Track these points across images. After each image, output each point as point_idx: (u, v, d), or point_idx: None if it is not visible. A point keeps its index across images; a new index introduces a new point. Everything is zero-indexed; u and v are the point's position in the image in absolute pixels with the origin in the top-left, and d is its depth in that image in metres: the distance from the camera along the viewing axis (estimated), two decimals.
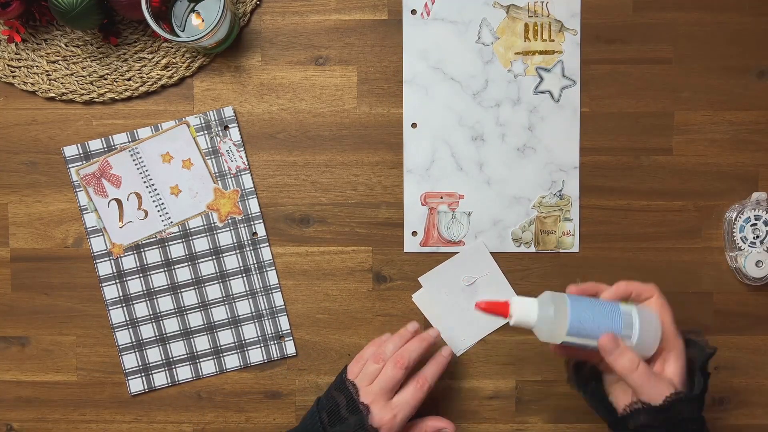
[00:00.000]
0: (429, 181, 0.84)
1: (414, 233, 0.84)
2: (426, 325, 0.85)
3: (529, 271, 0.84)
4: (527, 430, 0.85)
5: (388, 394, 0.74)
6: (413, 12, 0.83)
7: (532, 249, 0.84)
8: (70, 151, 0.83)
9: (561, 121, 0.83)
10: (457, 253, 0.84)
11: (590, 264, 0.84)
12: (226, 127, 0.83)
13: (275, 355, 0.85)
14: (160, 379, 0.85)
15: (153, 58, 0.83)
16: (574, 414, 0.85)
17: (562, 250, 0.84)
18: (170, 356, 0.84)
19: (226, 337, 0.84)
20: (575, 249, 0.84)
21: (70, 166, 0.83)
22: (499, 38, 0.83)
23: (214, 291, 0.84)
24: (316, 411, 0.75)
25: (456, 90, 0.83)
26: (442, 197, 0.84)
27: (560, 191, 0.84)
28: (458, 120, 0.83)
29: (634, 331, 0.68)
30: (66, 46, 0.83)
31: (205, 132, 0.83)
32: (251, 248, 0.84)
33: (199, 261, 0.84)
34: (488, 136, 0.83)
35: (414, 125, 0.84)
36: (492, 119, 0.83)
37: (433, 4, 0.83)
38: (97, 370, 0.85)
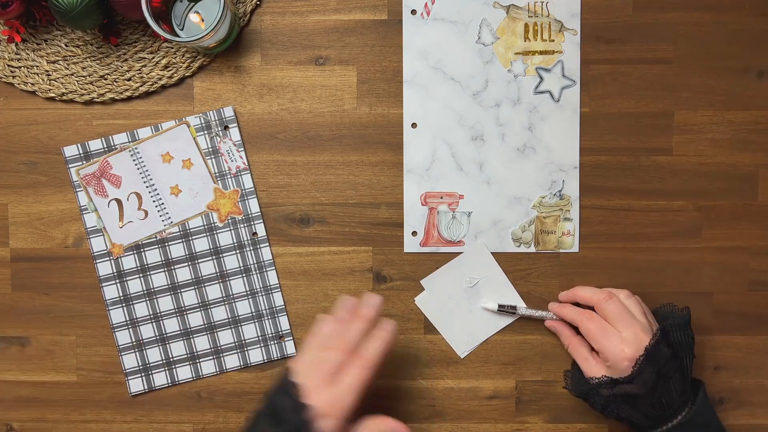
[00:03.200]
0: (429, 181, 0.84)
1: (414, 233, 0.84)
2: (427, 323, 0.85)
3: (529, 271, 0.84)
4: (527, 430, 0.85)
5: (330, 378, 0.70)
6: (413, 12, 0.83)
7: (532, 249, 0.84)
8: (70, 151, 0.83)
9: (561, 121, 0.83)
10: (460, 254, 0.84)
11: (590, 264, 0.84)
12: (226, 127, 0.84)
13: (275, 355, 0.85)
14: (160, 379, 0.85)
15: (153, 58, 0.83)
16: (574, 414, 0.85)
17: (561, 250, 0.84)
18: (170, 356, 0.84)
19: (226, 337, 0.84)
20: (575, 249, 0.84)
21: (70, 166, 0.83)
22: (499, 38, 0.83)
23: (214, 291, 0.84)
24: (255, 422, 0.71)
25: (456, 90, 0.83)
26: (442, 197, 0.84)
27: (560, 191, 0.84)
28: (458, 120, 0.83)
29: None
30: (66, 46, 0.83)
31: (205, 132, 0.83)
32: (251, 248, 0.84)
33: (199, 261, 0.84)
34: (488, 136, 0.83)
35: (414, 125, 0.84)
36: (492, 119, 0.83)
37: (433, 4, 0.83)
38: (97, 370, 0.85)
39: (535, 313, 0.83)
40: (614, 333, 0.76)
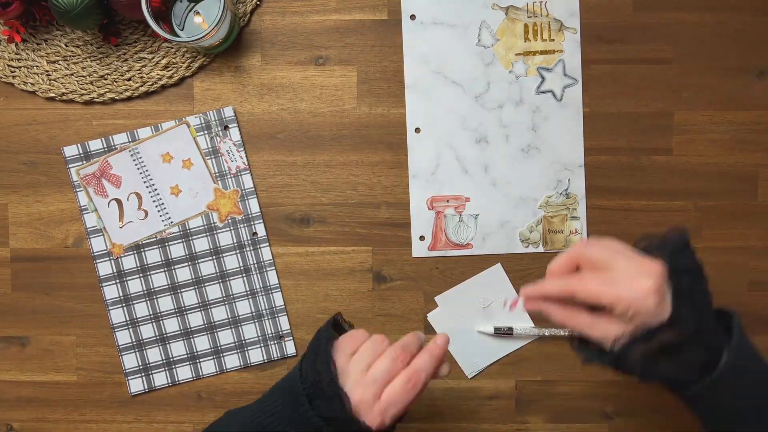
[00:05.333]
0: (435, 185, 0.84)
1: (422, 238, 0.84)
2: (427, 323, 0.85)
3: (529, 271, 0.84)
4: (527, 430, 0.85)
5: (379, 388, 0.64)
6: (412, 17, 0.83)
7: (541, 249, 0.84)
8: (70, 151, 0.83)
9: (564, 120, 0.83)
10: (468, 257, 0.84)
11: None
12: (226, 127, 0.83)
13: (275, 355, 0.85)
14: (160, 379, 0.85)
15: (153, 58, 0.83)
16: (574, 414, 0.85)
17: None
18: (170, 356, 0.85)
19: (226, 337, 0.84)
20: None
21: (70, 166, 0.83)
22: (499, 40, 0.83)
23: (214, 291, 0.84)
24: (298, 372, 0.66)
25: (458, 93, 0.83)
26: (448, 201, 0.84)
27: (566, 190, 0.84)
28: (461, 123, 0.83)
29: None
30: (66, 46, 0.83)
31: (205, 132, 0.83)
32: (251, 248, 0.84)
33: (199, 261, 0.84)
34: (492, 138, 0.83)
35: (418, 130, 0.83)
36: (495, 121, 0.83)
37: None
38: (97, 370, 0.85)
39: (532, 331, 0.84)
40: (619, 273, 0.60)
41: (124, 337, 0.84)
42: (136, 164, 0.83)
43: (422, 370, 0.65)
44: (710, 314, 0.61)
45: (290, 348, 0.85)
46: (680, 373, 0.61)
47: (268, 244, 0.84)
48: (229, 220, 0.84)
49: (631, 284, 0.58)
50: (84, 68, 0.83)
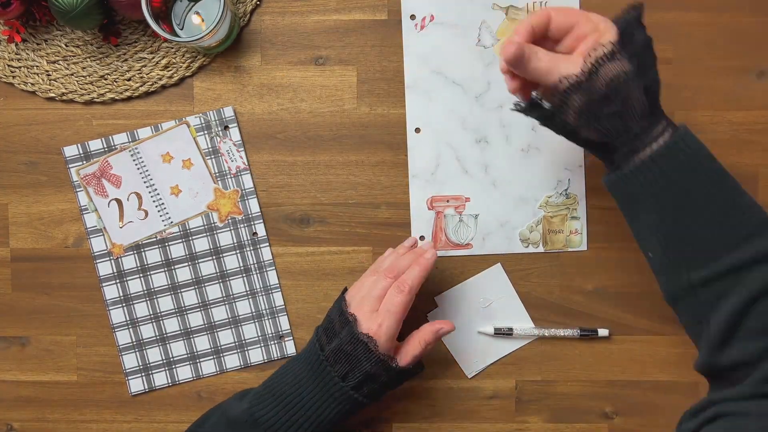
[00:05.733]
0: (435, 185, 0.84)
1: (422, 238, 0.84)
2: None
3: (529, 271, 0.84)
4: (527, 430, 0.85)
5: (375, 303, 0.74)
6: (412, 17, 0.83)
7: (541, 249, 0.84)
8: (70, 151, 0.83)
9: None
10: (468, 257, 0.84)
11: (591, 264, 0.84)
12: (226, 127, 0.83)
13: (275, 355, 0.85)
14: (160, 379, 0.85)
15: (153, 58, 0.83)
16: (574, 414, 0.85)
17: (570, 249, 0.84)
18: (170, 356, 0.85)
19: (226, 337, 0.85)
20: (583, 247, 0.84)
21: (70, 166, 0.83)
22: (499, 40, 0.83)
23: (214, 291, 0.84)
24: (315, 335, 0.76)
25: (458, 93, 0.83)
26: (448, 201, 0.84)
27: (566, 190, 0.84)
28: (461, 123, 0.83)
29: None
30: (66, 46, 0.83)
31: (205, 132, 0.83)
32: (251, 248, 0.84)
33: (199, 261, 0.84)
34: (492, 138, 0.83)
35: (418, 130, 0.83)
36: (495, 121, 0.83)
37: (431, 20, 0.83)
38: (98, 370, 0.85)
39: (532, 331, 0.84)
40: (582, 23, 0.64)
41: (124, 337, 0.85)
42: (136, 164, 0.83)
43: (408, 279, 0.75)
44: (641, 94, 0.63)
45: (290, 348, 0.85)
46: (616, 127, 0.63)
47: (268, 244, 0.84)
48: (229, 220, 0.84)
49: (596, 23, 0.63)
50: (84, 68, 0.83)
